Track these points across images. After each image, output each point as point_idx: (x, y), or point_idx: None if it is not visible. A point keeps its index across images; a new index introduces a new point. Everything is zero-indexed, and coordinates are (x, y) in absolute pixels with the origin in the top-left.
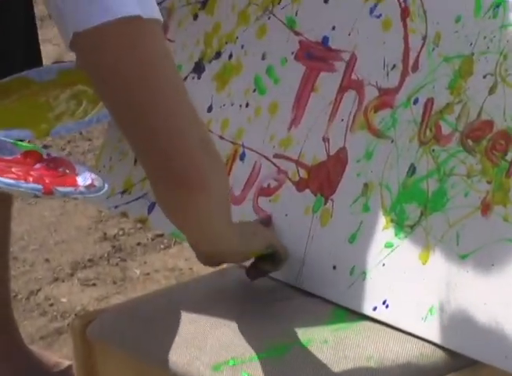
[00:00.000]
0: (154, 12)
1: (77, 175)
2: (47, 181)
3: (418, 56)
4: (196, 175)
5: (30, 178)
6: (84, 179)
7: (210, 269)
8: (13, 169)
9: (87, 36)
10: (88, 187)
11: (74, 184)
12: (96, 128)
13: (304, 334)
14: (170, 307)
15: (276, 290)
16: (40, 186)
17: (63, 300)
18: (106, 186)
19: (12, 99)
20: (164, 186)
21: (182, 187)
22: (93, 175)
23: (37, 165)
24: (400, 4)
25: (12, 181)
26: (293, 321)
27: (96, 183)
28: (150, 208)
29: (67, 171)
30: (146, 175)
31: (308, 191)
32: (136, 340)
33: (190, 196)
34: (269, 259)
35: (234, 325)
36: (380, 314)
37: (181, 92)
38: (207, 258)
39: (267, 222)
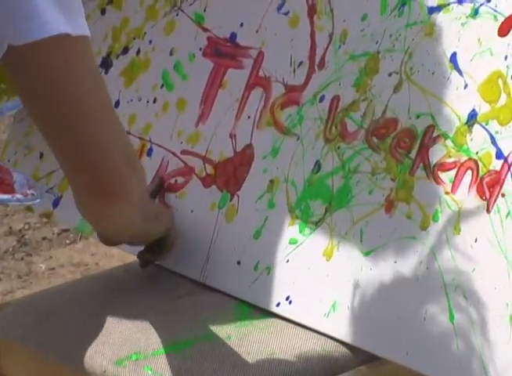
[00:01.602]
0: (83, 29)
1: (14, 182)
2: None
3: (324, 54)
4: (120, 185)
5: None
6: (20, 187)
7: (115, 264)
8: None
9: (21, 51)
10: (24, 194)
11: (12, 191)
12: (2, 121)
13: (208, 330)
14: (73, 302)
15: (181, 285)
16: None
17: None
18: (43, 193)
19: None
20: (87, 194)
21: (106, 197)
22: (30, 182)
23: None
24: (307, 1)
25: None
26: (196, 317)
27: (33, 190)
28: (55, 203)
29: (4, 177)
30: (69, 182)
31: (214, 187)
32: (38, 335)
33: (113, 206)
34: (159, 245)
35: (138, 320)
36: (284, 310)
37: (107, 104)
38: (107, 240)
39: (160, 184)
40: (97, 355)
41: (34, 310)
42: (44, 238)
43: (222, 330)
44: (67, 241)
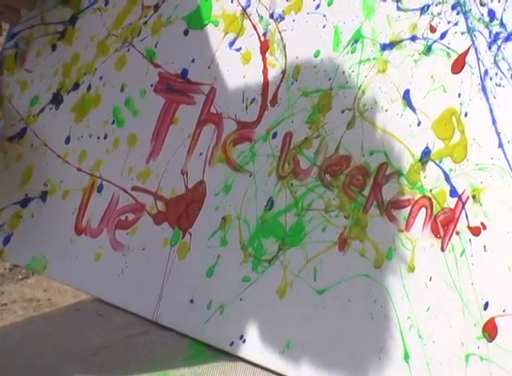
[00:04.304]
0: None
1: None
2: None
3: (277, 90)
4: None
5: None
6: None
7: (68, 301)
8: None
9: None
10: None
11: None
12: None
13: (162, 369)
14: (24, 341)
15: (134, 324)
16: None
17: None
18: None
19: None
20: None
21: None
22: None
23: None
24: (259, 37)
25: None
26: (151, 356)
27: None
28: (6, 240)
29: None
30: None
31: (165, 224)
32: None
33: None
34: None
35: (90, 359)
36: (238, 349)
37: None
38: None
39: None
40: None
41: None
42: None
43: (176, 370)
44: (19, 277)
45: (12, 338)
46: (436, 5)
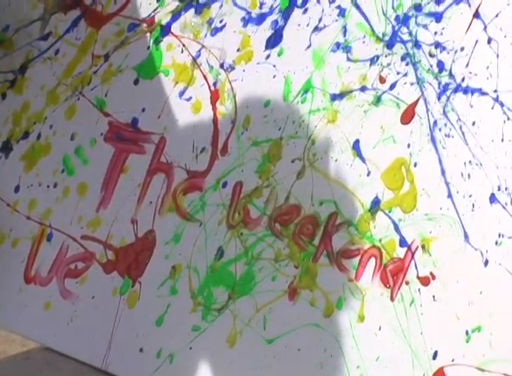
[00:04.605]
0: None
1: None
2: None
3: (227, 140)
4: None
5: None
6: None
7: (16, 349)
8: None
9: None
10: None
11: None
12: None
13: None
14: None
15: (83, 373)
16: None
17: None
18: None
19: None
20: None
21: None
22: None
23: None
24: (210, 87)
25: None
26: None
27: None
28: None
29: None
30: None
31: (115, 273)
32: None
33: None
34: None
35: None
36: None
37: None
38: None
39: None
40: None
41: None
42: None
43: None
44: None
45: None
46: (386, 56)
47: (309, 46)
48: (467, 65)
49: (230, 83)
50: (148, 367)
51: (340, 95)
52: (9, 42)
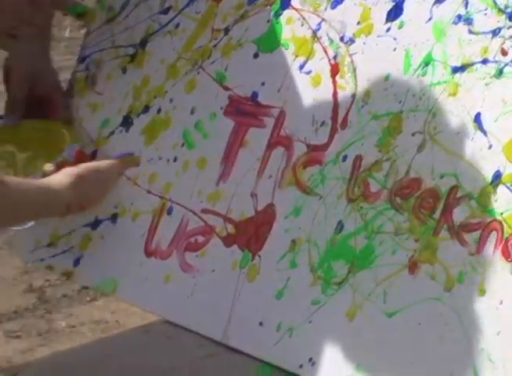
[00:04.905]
0: None
1: None
2: None
3: (347, 113)
4: None
5: None
6: None
7: (136, 322)
8: None
9: None
10: None
11: None
12: None
13: None
14: (94, 363)
15: (203, 346)
16: None
17: None
18: None
19: None
20: None
21: None
22: None
23: None
24: (329, 61)
25: None
26: None
27: None
28: (76, 262)
29: None
30: None
31: (235, 247)
32: None
33: None
34: None
35: None
36: (307, 371)
37: None
38: None
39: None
40: None
41: (55, 371)
42: (64, 295)
43: None
44: (87, 298)
45: (80, 361)
46: (508, 28)
47: (430, 19)
48: None
49: (350, 56)
50: (268, 341)
51: (462, 68)
52: (92, 15)
